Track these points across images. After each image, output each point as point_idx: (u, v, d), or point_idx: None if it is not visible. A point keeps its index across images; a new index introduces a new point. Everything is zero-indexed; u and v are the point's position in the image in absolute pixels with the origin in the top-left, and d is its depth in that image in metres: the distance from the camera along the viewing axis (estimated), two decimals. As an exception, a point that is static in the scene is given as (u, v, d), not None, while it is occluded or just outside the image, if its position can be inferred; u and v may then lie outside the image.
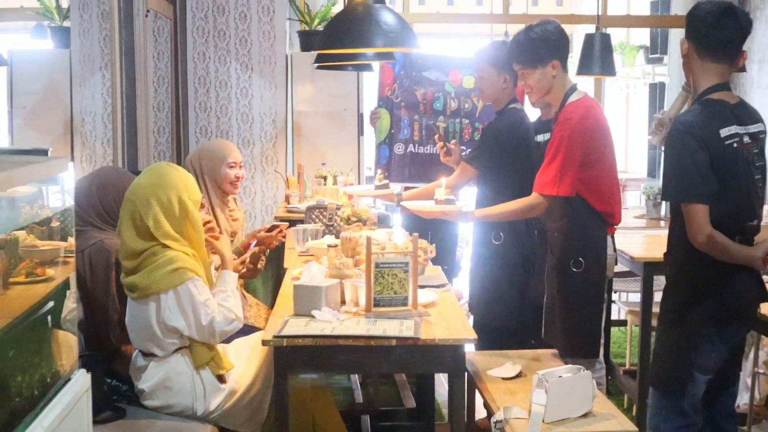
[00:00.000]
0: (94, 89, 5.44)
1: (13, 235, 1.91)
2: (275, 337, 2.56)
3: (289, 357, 2.60)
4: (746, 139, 2.63)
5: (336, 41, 2.97)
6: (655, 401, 2.77)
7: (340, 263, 3.03)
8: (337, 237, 3.73)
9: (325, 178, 5.27)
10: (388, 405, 4.32)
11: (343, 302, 2.88)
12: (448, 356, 2.61)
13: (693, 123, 2.58)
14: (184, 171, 2.89)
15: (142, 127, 4.85)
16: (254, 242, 3.68)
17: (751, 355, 3.88)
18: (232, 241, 3.77)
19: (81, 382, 2.10)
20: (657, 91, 11.66)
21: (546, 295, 3.32)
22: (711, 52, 2.63)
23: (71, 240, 2.24)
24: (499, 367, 3.05)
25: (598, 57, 5.31)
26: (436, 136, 4.20)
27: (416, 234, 2.88)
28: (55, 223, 2.14)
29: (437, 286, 3.20)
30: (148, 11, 4.83)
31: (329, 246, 3.42)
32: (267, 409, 2.96)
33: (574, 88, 3.18)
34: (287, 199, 5.26)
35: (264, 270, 3.94)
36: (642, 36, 12.28)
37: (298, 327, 2.63)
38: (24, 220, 1.97)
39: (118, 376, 2.95)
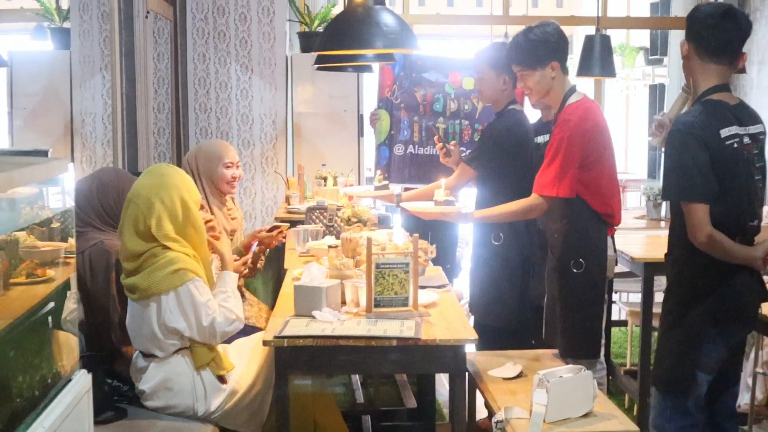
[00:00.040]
0: (94, 90, 5.44)
1: (14, 236, 1.91)
2: (276, 337, 2.56)
3: (289, 357, 2.60)
4: (746, 139, 2.63)
5: (336, 42, 2.97)
6: (658, 401, 2.77)
7: (341, 264, 3.04)
8: (338, 238, 3.73)
9: (325, 179, 5.27)
10: (389, 405, 4.33)
11: (343, 303, 2.88)
12: (449, 356, 2.61)
13: (693, 123, 2.58)
14: (183, 172, 2.89)
15: (142, 129, 4.85)
16: (256, 243, 3.69)
17: (752, 355, 3.88)
18: (231, 240, 3.78)
19: (82, 382, 2.10)
20: (657, 92, 11.66)
21: (546, 295, 3.32)
22: (711, 53, 2.64)
23: (71, 241, 2.24)
24: (499, 368, 3.05)
25: (598, 58, 5.31)
26: (436, 138, 4.20)
27: (416, 235, 2.88)
28: (55, 224, 2.13)
29: (438, 287, 3.20)
30: (148, 12, 4.84)
31: (330, 247, 3.42)
32: (268, 410, 2.96)
33: (573, 90, 3.18)
34: (287, 200, 5.26)
35: (264, 270, 3.95)
36: (642, 37, 12.28)
37: (299, 327, 2.63)
38: (24, 221, 1.97)
39: (119, 377, 2.95)
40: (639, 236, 4.62)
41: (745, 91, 7.29)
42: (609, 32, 6.00)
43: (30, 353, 1.94)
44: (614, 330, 5.27)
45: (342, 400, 4.39)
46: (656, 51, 11.29)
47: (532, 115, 3.95)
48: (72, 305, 2.23)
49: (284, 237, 3.78)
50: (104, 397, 2.79)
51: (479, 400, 3.11)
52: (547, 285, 3.31)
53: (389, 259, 2.76)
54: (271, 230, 3.71)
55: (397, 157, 4.94)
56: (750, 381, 3.88)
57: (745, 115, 2.67)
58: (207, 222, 3.00)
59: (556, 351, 3.24)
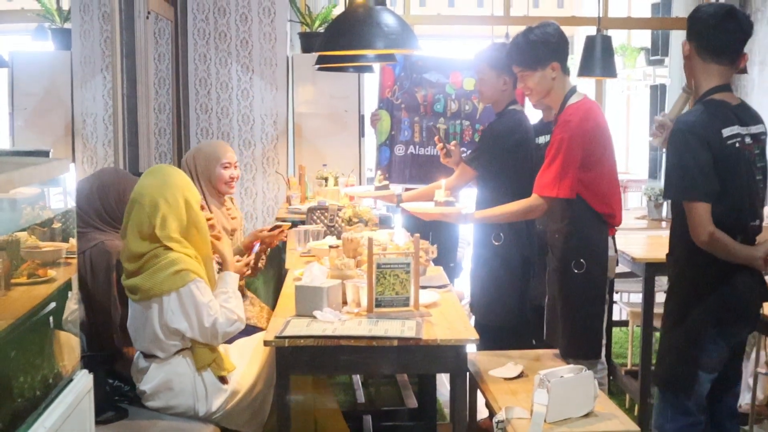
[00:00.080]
0: (95, 91, 5.45)
1: (15, 236, 1.91)
2: (277, 337, 2.56)
3: (290, 357, 2.60)
4: (748, 139, 2.63)
5: (337, 43, 2.97)
6: (660, 401, 2.78)
7: (342, 264, 3.04)
8: (339, 238, 3.73)
9: (326, 180, 5.27)
10: (390, 405, 4.33)
11: (344, 303, 2.88)
12: (450, 356, 2.61)
13: (695, 123, 2.58)
14: (182, 172, 2.91)
15: (143, 129, 4.86)
16: (258, 243, 3.69)
17: (753, 355, 3.88)
18: (231, 239, 3.78)
19: (83, 382, 2.10)
20: (658, 92, 11.65)
21: (547, 296, 3.32)
22: (712, 53, 2.64)
23: (73, 241, 2.24)
24: (500, 367, 3.05)
25: (599, 59, 5.31)
26: (437, 138, 4.20)
27: (417, 235, 2.88)
28: (56, 225, 2.13)
29: (439, 287, 3.20)
30: (149, 13, 4.84)
31: (331, 247, 3.42)
32: (269, 410, 2.96)
33: (573, 90, 3.18)
34: (288, 200, 5.26)
35: (265, 270, 3.95)
36: (643, 38, 12.28)
37: (300, 327, 2.63)
38: (25, 221, 1.97)
39: (120, 377, 2.95)
40: (640, 236, 4.62)
41: (746, 92, 7.29)
42: (610, 33, 6.01)
43: (31, 353, 1.94)
44: (615, 330, 5.27)
45: (343, 400, 4.39)
46: (657, 51, 11.29)
47: (533, 115, 3.95)
48: (73, 305, 2.23)
49: (285, 236, 3.78)
50: (105, 397, 2.79)
51: (480, 400, 3.11)
52: (548, 285, 3.31)
53: (390, 260, 2.76)
54: (272, 230, 3.72)
55: (398, 158, 4.95)
56: (751, 381, 3.88)
57: (746, 115, 2.68)
58: (207, 220, 3.00)
59: (556, 351, 3.24)
